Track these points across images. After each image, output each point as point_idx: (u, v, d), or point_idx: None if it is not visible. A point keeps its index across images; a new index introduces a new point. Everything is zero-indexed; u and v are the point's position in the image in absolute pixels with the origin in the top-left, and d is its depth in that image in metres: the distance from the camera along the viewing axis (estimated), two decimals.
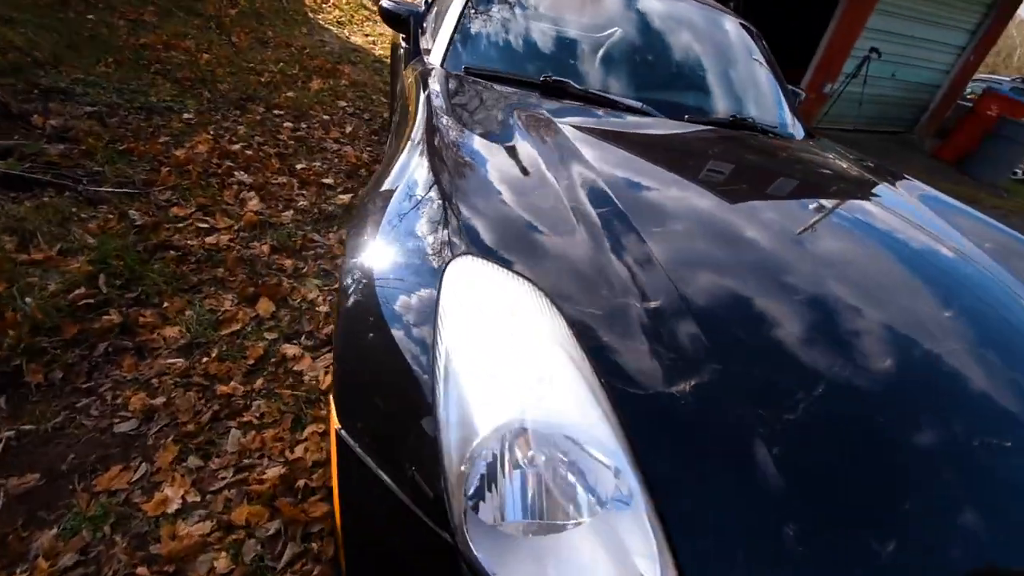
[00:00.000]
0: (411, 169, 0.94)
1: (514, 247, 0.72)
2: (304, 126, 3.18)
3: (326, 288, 1.83)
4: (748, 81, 1.76)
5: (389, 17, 1.76)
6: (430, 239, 0.73)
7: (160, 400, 1.27)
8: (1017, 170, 6.74)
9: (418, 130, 1.10)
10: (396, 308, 0.66)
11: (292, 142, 2.91)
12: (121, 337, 1.41)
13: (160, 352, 1.41)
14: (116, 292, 1.51)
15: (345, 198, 2.48)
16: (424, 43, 1.78)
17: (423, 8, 1.88)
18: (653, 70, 1.63)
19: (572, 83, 1.44)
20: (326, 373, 1.45)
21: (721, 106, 1.63)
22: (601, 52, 1.61)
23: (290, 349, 1.51)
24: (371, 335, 0.64)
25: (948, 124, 7.17)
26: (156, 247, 1.74)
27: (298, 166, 2.65)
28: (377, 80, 4.54)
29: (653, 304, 0.69)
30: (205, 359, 1.42)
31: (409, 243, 0.74)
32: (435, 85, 1.32)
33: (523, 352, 0.57)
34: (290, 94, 3.48)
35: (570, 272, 0.70)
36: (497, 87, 1.39)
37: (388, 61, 5.25)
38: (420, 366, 0.59)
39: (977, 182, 6.06)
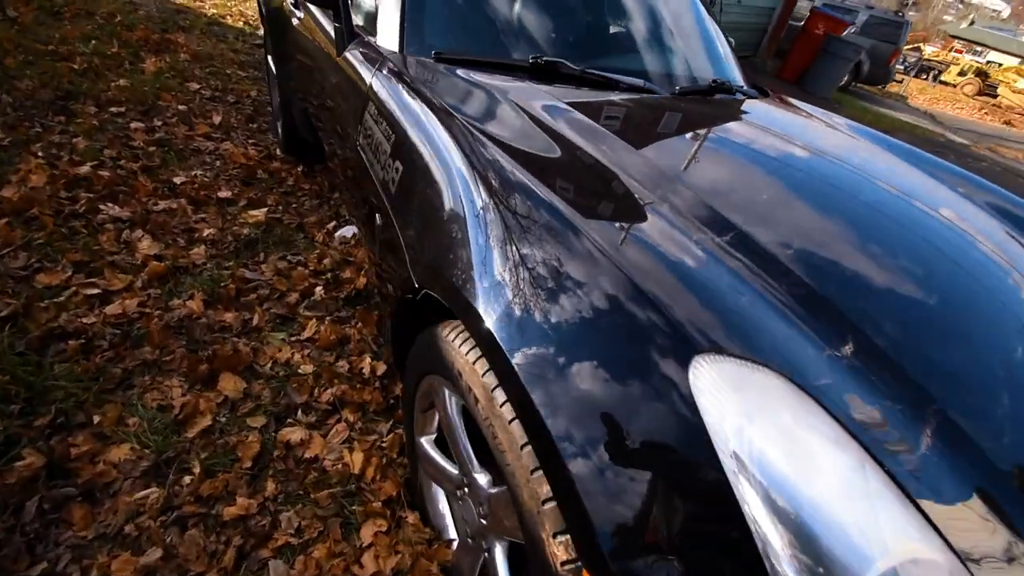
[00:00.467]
0: (482, 211, 0.77)
1: (727, 324, 0.61)
2: (159, 123, 2.56)
3: (295, 340, 1.53)
4: (710, 40, 1.75)
5: None
6: (617, 324, 0.60)
7: (154, 555, 0.98)
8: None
9: (436, 149, 0.91)
10: (641, 431, 0.54)
11: (153, 148, 2.33)
12: (55, 483, 1.04)
13: (118, 487, 1.08)
14: (19, 423, 1.10)
15: (258, 214, 2.08)
16: (355, 19, 1.47)
17: None
18: (633, 39, 1.54)
19: (567, 63, 1.30)
20: (351, 451, 1.24)
21: (702, 72, 1.60)
22: (579, 21, 1.46)
23: (291, 433, 1.25)
24: (622, 479, 0.52)
25: (784, 45, 8.11)
26: (43, 340, 1.29)
27: (177, 180, 2.14)
28: (224, 49, 3.79)
29: (847, 348, 0.65)
30: (187, 479, 1.12)
31: (594, 332, 0.60)
32: (413, 82, 1.10)
33: (829, 469, 0.50)
34: (122, 82, 2.75)
35: (774, 336, 0.62)
36: (485, 76, 1.20)
37: (227, 22, 4.39)
38: (720, 519, 0.49)
39: (815, 97, 7.02)
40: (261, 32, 4.37)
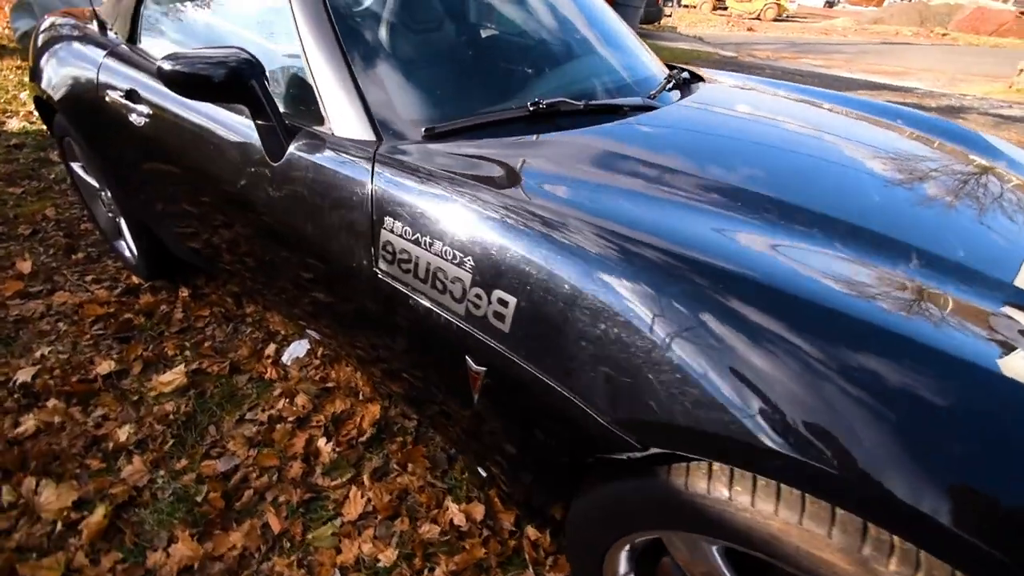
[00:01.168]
0: (688, 325, 0.62)
1: None
2: None
3: (348, 525, 1.19)
4: (632, 37, 1.71)
5: (198, 86, 1.01)
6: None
7: None
8: None
9: (577, 268, 0.71)
10: None
11: None
12: None
13: None
14: None
15: (172, 377, 1.60)
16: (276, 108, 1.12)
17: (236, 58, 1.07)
18: (599, 57, 1.44)
19: (568, 100, 1.15)
20: None
21: (651, 70, 1.55)
22: (539, 51, 1.32)
23: None
24: None
25: None
26: None
27: (23, 377, 1.55)
28: None
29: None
30: None
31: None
32: (455, 180, 0.87)
33: None
34: None
35: None
36: (505, 144, 1.01)
37: None
38: None
39: None
40: (13, 127, 3.36)
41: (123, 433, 1.39)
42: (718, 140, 1.15)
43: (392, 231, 0.92)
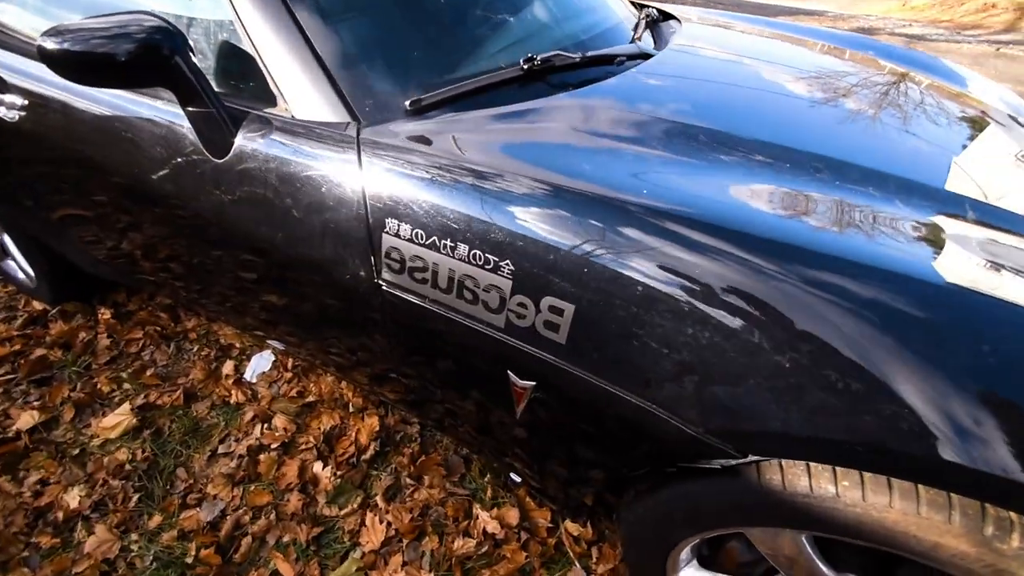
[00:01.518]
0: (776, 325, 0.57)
1: None
2: None
3: (371, 555, 1.09)
4: None
5: (100, 68, 0.78)
6: None
7: None
8: None
9: (656, 265, 0.62)
10: None
11: None
12: None
13: None
14: None
15: (117, 419, 1.38)
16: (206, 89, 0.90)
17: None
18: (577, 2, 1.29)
19: (563, 53, 1.01)
20: None
21: (626, 10, 1.43)
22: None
23: None
24: None
25: None
26: None
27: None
28: None
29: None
30: None
31: None
32: (475, 167, 0.74)
33: None
34: None
35: None
36: (501, 115, 0.87)
37: None
38: None
39: None
40: None
41: (72, 497, 1.18)
42: (738, 90, 1.06)
43: (398, 235, 0.78)
